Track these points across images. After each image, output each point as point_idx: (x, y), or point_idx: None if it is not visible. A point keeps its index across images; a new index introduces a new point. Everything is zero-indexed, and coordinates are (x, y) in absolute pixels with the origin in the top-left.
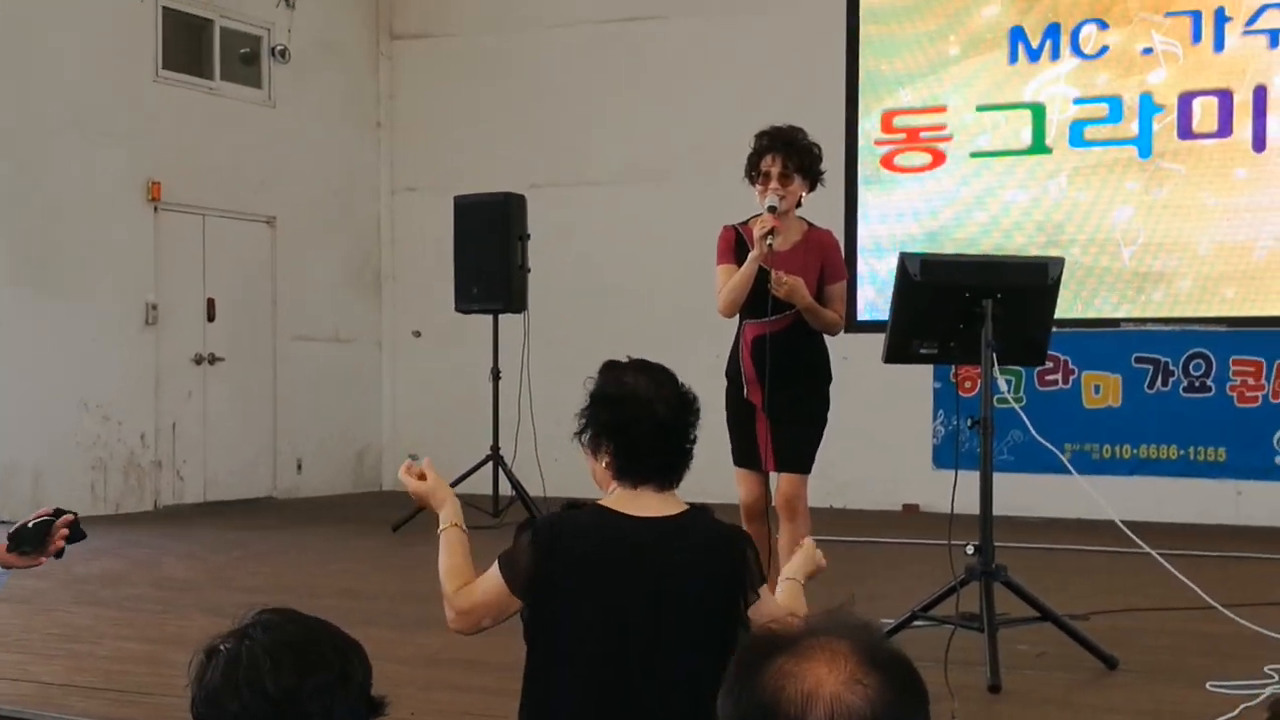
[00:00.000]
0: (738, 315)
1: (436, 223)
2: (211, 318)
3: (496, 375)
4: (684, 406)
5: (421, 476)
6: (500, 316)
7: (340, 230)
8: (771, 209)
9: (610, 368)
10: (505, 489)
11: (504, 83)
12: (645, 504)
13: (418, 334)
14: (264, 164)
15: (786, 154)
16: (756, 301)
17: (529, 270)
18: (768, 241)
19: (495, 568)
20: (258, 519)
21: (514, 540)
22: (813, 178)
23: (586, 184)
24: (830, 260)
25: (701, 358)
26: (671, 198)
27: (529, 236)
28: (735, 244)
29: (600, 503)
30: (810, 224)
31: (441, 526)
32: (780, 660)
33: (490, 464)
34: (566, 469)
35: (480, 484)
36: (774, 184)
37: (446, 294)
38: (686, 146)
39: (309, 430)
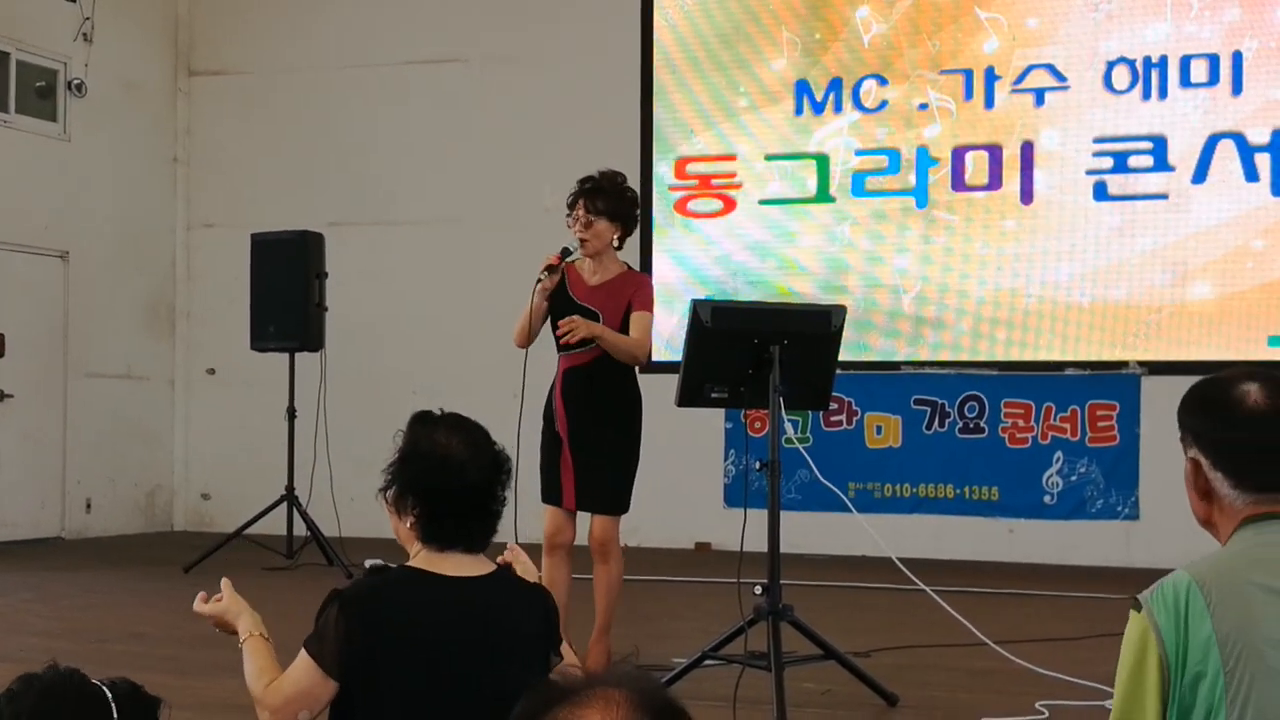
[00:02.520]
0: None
1: (233, 260)
2: (1, 353)
3: (292, 414)
4: (496, 468)
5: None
6: (297, 355)
7: (135, 266)
8: (565, 251)
9: (422, 421)
10: (300, 529)
11: (303, 121)
12: (457, 564)
13: (212, 372)
14: (58, 198)
15: (589, 198)
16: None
17: (326, 309)
18: (540, 277)
19: (303, 653)
20: (47, 560)
21: (318, 618)
22: (624, 220)
23: (387, 223)
24: (638, 295)
25: (499, 396)
26: (471, 239)
27: (327, 275)
28: (557, 283)
29: (410, 564)
30: (629, 267)
31: (241, 639)
32: (558, 710)
33: (285, 504)
34: (362, 510)
35: (274, 525)
36: (576, 226)
37: (242, 332)
38: (487, 189)
39: (99, 469)
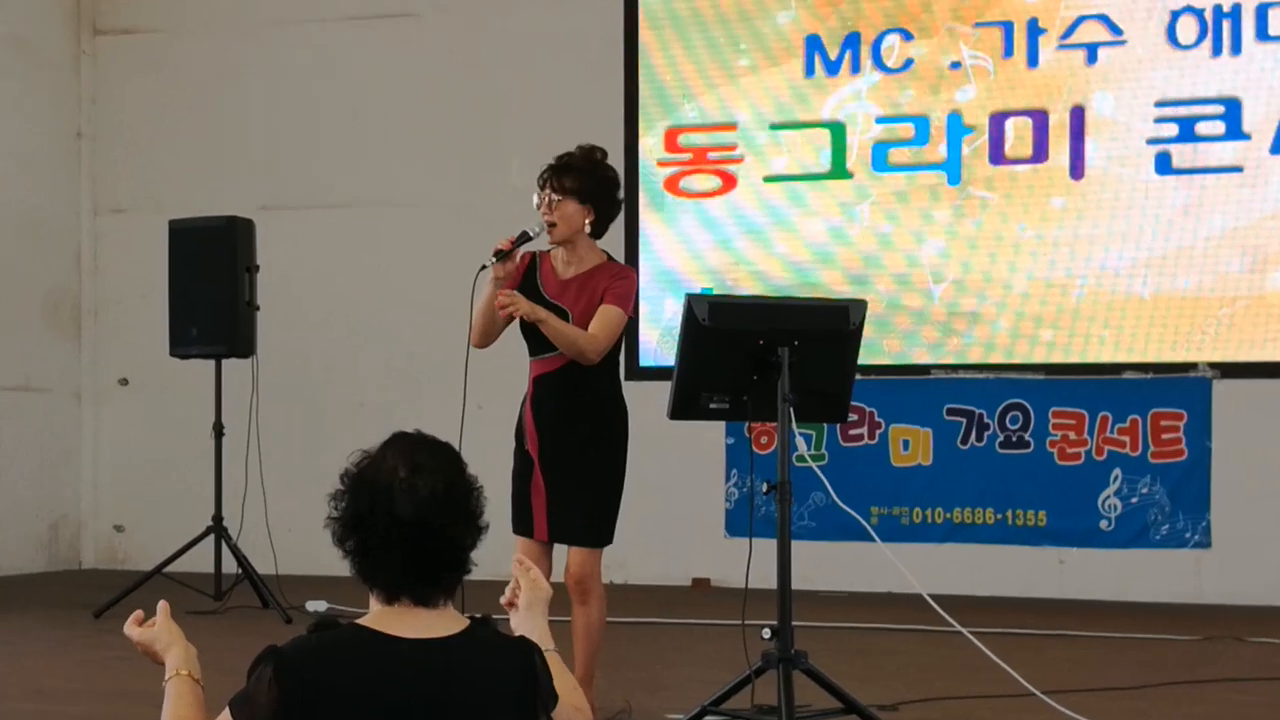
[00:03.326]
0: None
1: (148, 250)
2: None
3: (220, 432)
4: (451, 504)
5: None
6: (224, 362)
7: (33, 258)
8: (523, 235)
9: (385, 442)
10: (230, 566)
11: (229, 87)
12: (414, 622)
13: (124, 382)
14: None
15: (556, 176)
16: (534, 336)
17: (258, 308)
18: (487, 264)
19: (226, 713)
20: None
21: (249, 674)
22: (597, 201)
23: (328, 207)
24: (612, 287)
25: (457, 405)
26: (428, 225)
27: (258, 268)
28: (524, 273)
29: (360, 622)
30: (610, 258)
31: (167, 676)
32: None
33: (212, 537)
34: (303, 543)
35: (200, 561)
36: (542, 208)
37: (160, 335)
38: (445, 166)
39: None
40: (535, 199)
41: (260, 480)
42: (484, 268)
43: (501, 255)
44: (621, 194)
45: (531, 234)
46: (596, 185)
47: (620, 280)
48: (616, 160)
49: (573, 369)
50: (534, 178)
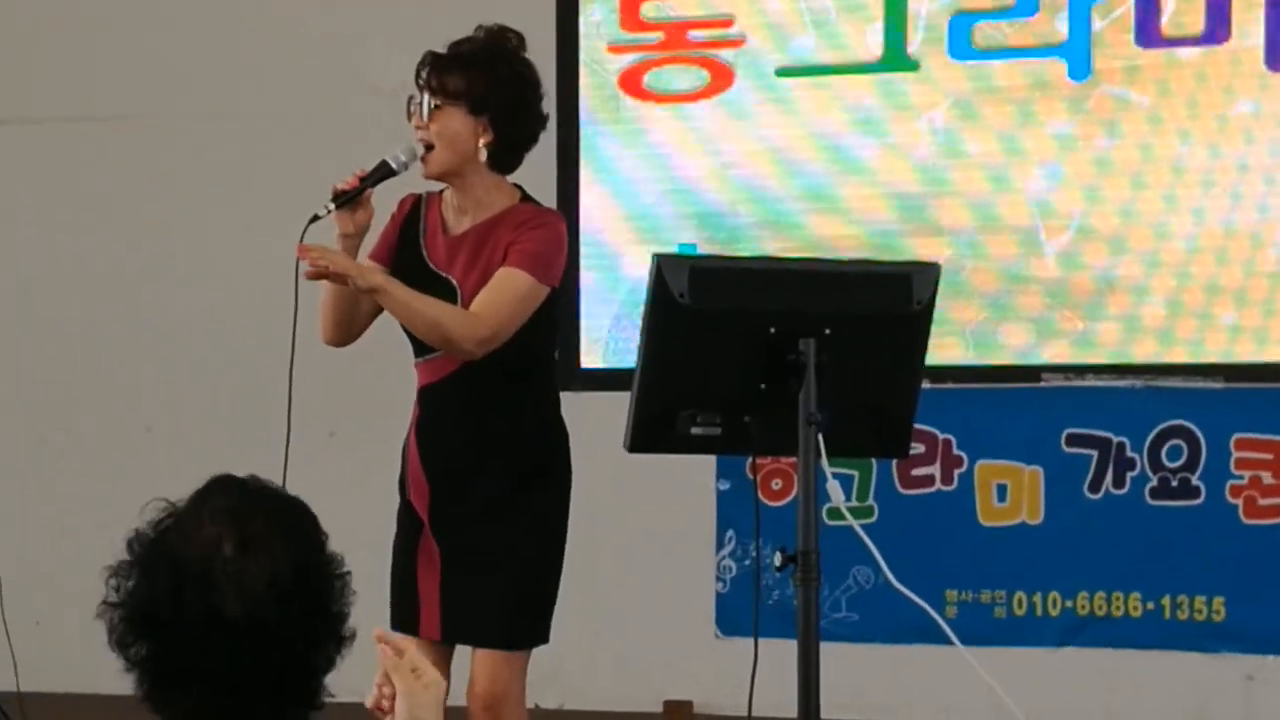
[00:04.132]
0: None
1: None
2: None
3: None
4: (301, 598)
5: None
6: None
7: None
8: (380, 169)
9: (201, 494)
10: None
11: None
12: None
13: None
14: None
15: (435, 73)
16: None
17: None
18: (320, 213)
19: None
20: None
21: None
22: (499, 112)
23: (81, 120)
24: (519, 240)
25: (305, 431)
26: (236, 148)
27: None
28: (401, 226)
29: None
30: (527, 198)
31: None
32: None
33: None
34: (52, 641)
35: None
36: (415, 122)
37: None
38: (267, 61)
39: None
40: (408, 109)
41: None
42: (315, 219)
43: (344, 200)
44: (544, 101)
45: (394, 164)
46: (497, 87)
47: (532, 229)
48: (544, 44)
49: (476, 377)
50: (410, 75)
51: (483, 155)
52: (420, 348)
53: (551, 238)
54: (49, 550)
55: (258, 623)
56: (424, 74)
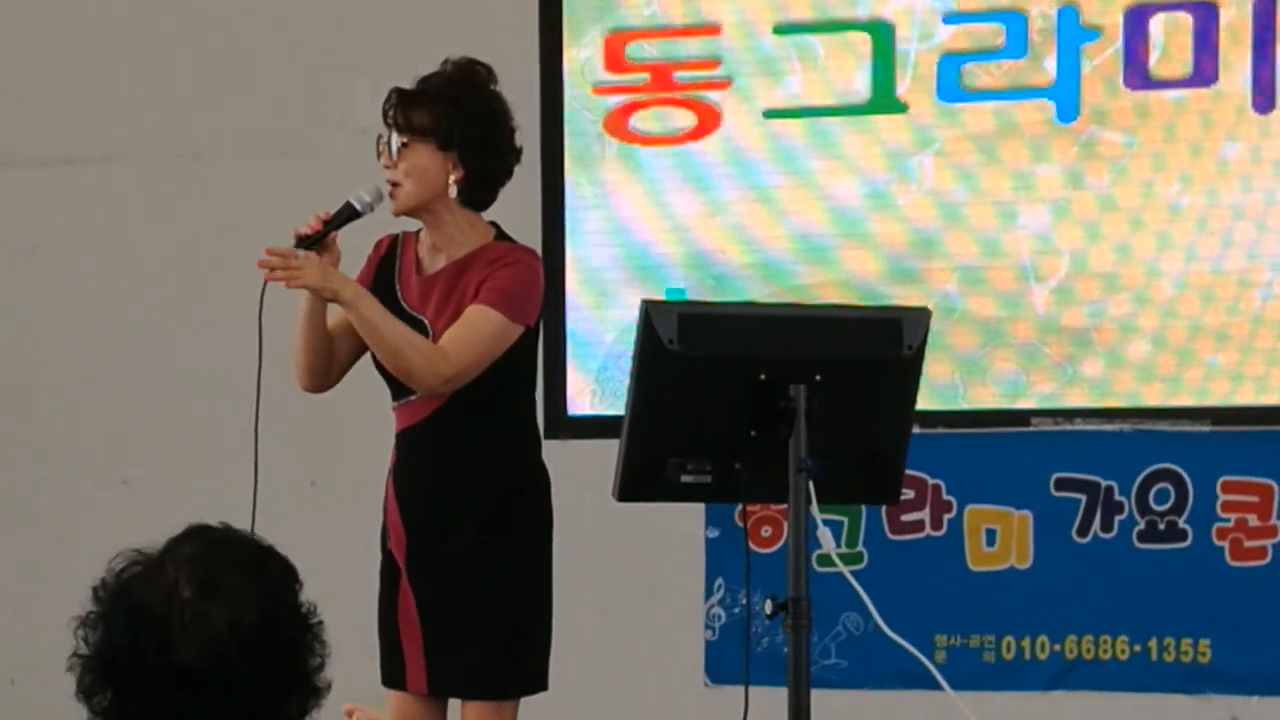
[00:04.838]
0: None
1: None
2: None
3: None
4: (264, 646)
5: None
6: None
7: None
8: (345, 211)
9: (174, 545)
10: None
11: None
12: None
13: None
14: None
15: (401, 109)
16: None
17: None
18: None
19: None
20: None
21: None
22: (467, 147)
23: (67, 164)
24: (491, 277)
25: (288, 481)
26: (223, 183)
27: None
28: (377, 267)
29: None
30: (502, 236)
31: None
32: None
33: None
34: (31, 699)
35: None
36: (383, 159)
37: None
38: (253, 98)
39: None
40: (377, 148)
41: None
42: (306, 247)
43: (308, 243)
44: (517, 134)
45: (359, 205)
46: (465, 121)
47: (504, 266)
48: (528, 83)
49: (453, 419)
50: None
51: (453, 191)
52: (397, 391)
53: (524, 275)
54: (21, 604)
55: (220, 671)
56: (390, 111)
